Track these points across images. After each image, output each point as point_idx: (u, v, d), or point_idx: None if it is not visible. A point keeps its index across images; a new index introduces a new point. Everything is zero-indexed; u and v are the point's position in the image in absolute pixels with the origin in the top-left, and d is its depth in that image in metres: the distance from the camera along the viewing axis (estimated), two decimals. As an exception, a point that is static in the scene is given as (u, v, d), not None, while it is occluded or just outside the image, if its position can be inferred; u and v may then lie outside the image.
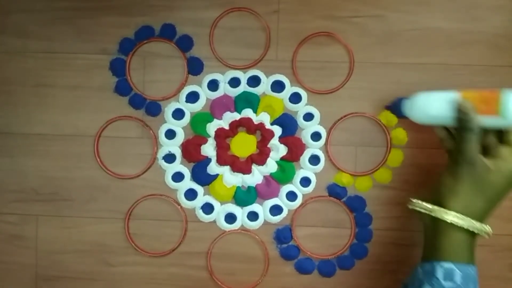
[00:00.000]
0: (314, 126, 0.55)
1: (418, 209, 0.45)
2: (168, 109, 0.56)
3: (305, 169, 0.55)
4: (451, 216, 0.42)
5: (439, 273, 0.42)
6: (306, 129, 0.55)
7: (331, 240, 0.56)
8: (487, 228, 0.43)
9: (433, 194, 0.45)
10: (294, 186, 0.55)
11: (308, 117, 0.55)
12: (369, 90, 0.55)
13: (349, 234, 0.55)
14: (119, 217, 0.56)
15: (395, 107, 0.53)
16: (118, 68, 0.56)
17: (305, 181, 0.55)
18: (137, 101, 0.56)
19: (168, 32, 0.56)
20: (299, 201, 0.55)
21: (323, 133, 0.55)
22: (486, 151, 0.44)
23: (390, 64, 0.55)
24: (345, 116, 0.55)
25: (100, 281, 0.57)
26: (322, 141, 0.55)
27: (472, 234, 0.43)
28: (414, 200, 0.46)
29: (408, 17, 0.55)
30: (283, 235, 0.56)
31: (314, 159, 0.55)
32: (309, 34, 0.55)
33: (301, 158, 0.55)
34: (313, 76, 0.55)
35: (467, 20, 0.54)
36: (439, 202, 0.44)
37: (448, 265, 0.42)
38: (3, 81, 0.57)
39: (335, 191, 0.55)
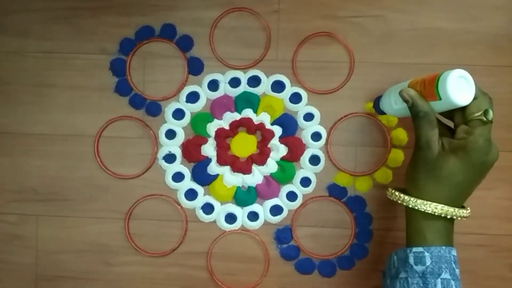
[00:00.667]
0: (314, 126, 0.55)
1: (390, 198, 0.46)
2: (168, 109, 0.56)
3: (305, 169, 0.55)
4: (412, 202, 0.43)
5: (411, 259, 0.42)
6: (306, 129, 0.55)
7: (331, 240, 0.56)
8: (456, 210, 0.42)
9: (405, 182, 0.46)
10: (294, 186, 0.55)
11: (308, 117, 0.55)
12: (370, 90, 0.55)
13: (350, 234, 0.55)
14: (119, 217, 0.56)
15: (374, 105, 0.53)
16: (118, 68, 0.56)
17: (305, 181, 0.55)
18: (137, 101, 0.56)
19: (168, 32, 0.56)
20: (299, 201, 0.55)
21: (323, 133, 0.55)
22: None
23: (390, 64, 0.55)
24: (345, 116, 0.55)
25: (100, 281, 0.57)
26: (322, 141, 0.55)
27: (440, 218, 0.42)
28: (389, 189, 0.47)
29: (408, 17, 0.55)
30: (283, 235, 0.56)
31: (314, 159, 0.55)
32: (309, 34, 0.55)
33: (301, 158, 0.55)
34: (313, 76, 0.55)
35: (467, 20, 0.55)
36: (407, 190, 0.45)
37: (418, 249, 0.42)
38: (3, 81, 0.57)
39: (335, 191, 0.55)
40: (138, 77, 0.56)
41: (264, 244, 0.56)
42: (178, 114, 0.56)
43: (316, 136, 0.55)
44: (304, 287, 0.56)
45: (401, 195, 0.44)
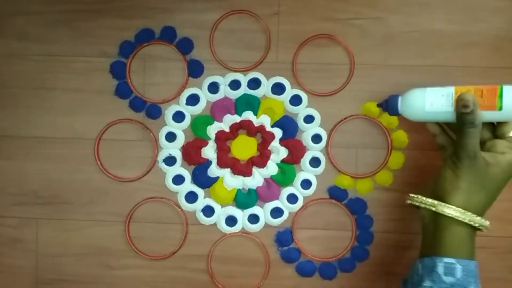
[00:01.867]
0: (314, 128, 0.55)
1: (417, 203, 0.45)
2: (169, 112, 0.56)
3: (306, 172, 0.55)
4: (452, 211, 0.42)
5: (440, 268, 0.41)
6: (307, 131, 0.55)
7: (332, 243, 0.55)
8: (486, 222, 0.43)
9: (433, 189, 0.45)
10: (294, 188, 0.55)
11: (309, 119, 0.55)
12: (370, 92, 0.55)
13: (350, 237, 0.55)
14: (119, 220, 0.56)
15: (388, 105, 0.49)
16: (118, 71, 0.56)
17: (306, 184, 0.55)
18: (138, 104, 0.56)
19: (168, 35, 0.56)
20: (299, 203, 0.55)
21: (324, 135, 0.55)
22: (481, 145, 0.44)
23: (391, 66, 0.55)
24: (345, 118, 0.55)
25: (100, 284, 0.57)
26: (322, 143, 0.55)
27: (472, 229, 0.43)
28: (414, 195, 0.46)
29: (408, 19, 0.55)
30: (284, 237, 0.55)
31: (315, 161, 0.55)
32: (309, 36, 0.55)
33: (302, 160, 0.55)
34: (313, 78, 0.55)
35: (468, 22, 0.54)
36: (440, 197, 0.44)
37: (449, 260, 0.41)
38: (3, 84, 0.57)
39: (336, 194, 0.55)
40: (138, 79, 0.56)
41: (264, 246, 0.55)
42: (178, 116, 0.56)
43: (316, 138, 0.55)
44: (305, 289, 0.56)
45: (435, 202, 0.43)
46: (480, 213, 0.43)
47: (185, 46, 0.56)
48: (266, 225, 0.56)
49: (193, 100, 0.56)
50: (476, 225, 0.42)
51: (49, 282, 0.57)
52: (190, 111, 0.56)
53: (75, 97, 0.57)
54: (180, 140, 0.56)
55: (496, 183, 0.43)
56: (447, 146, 0.47)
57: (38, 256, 0.57)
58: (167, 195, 0.56)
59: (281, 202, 0.55)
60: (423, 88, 0.46)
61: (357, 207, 0.55)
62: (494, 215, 0.54)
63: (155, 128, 0.56)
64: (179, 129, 0.56)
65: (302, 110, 0.55)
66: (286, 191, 0.55)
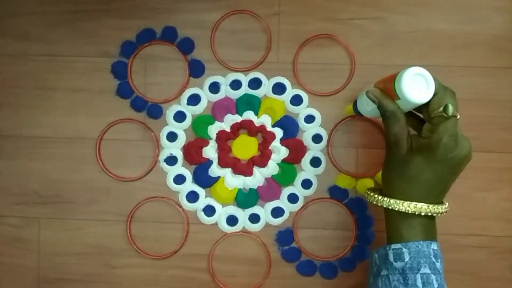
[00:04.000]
0: (315, 128, 0.55)
1: (368, 199, 0.46)
2: (170, 112, 0.56)
3: (306, 171, 0.55)
4: (385, 202, 0.43)
5: (390, 256, 0.42)
6: (307, 131, 0.55)
7: (333, 242, 0.56)
8: (433, 208, 0.42)
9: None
10: (295, 188, 0.56)
11: (309, 119, 0.55)
12: (370, 92, 0.55)
13: (351, 236, 0.55)
14: (121, 220, 0.57)
15: (353, 106, 0.51)
16: (119, 71, 0.56)
17: (307, 183, 0.55)
18: (139, 104, 0.56)
19: (169, 35, 0.56)
20: (300, 203, 0.56)
21: (324, 135, 0.55)
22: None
23: (391, 66, 0.55)
24: (346, 118, 0.55)
25: (102, 283, 0.57)
26: (323, 143, 0.55)
27: (414, 215, 0.42)
28: (366, 191, 0.47)
29: (409, 19, 0.55)
30: (284, 237, 0.56)
31: (315, 161, 0.55)
32: (310, 36, 0.55)
33: (302, 160, 0.55)
34: (314, 78, 0.55)
35: (468, 22, 0.55)
36: (383, 190, 0.45)
37: (395, 246, 0.42)
38: (5, 84, 0.57)
39: (336, 193, 0.55)
40: (139, 79, 0.57)
41: (265, 246, 0.56)
42: (179, 116, 0.56)
43: (317, 138, 0.55)
44: (305, 289, 0.56)
45: (375, 195, 0.45)
46: (424, 199, 0.42)
47: (186, 46, 0.56)
48: (267, 225, 0.56)
49: (194, 100, 0.56)
50: (411, 211, 0.42)
51: (51, 281, 0.57)
52: (191, 111, 0.56)
53: (77, 97, 0.57)
54: (181, 140, 0.56)
55: (422, 171, 0.41)
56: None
57: (40, 255, 0.58)
58: (168, 194, 0.56)
59: (282, 202, 0.56)
60: (365, 88, 0.47)
61: (357, 207, 0.55)
62: (494, 214, 0.55)
63: (156, 128, 0.56)
64: (180, 129, 0.56)
65: (302, 110, 0.55)
66: (287, 190, 0.56)
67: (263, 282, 0.56)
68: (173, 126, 0.56)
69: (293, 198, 0.55)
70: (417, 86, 0.40)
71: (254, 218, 0.56)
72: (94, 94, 0.57)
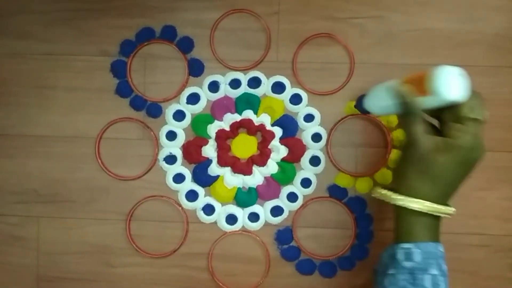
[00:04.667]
0: (314, 127, 0.55)
1: (376, 196, 0.45)
2: (169, 111, 0.56)
3: (306, 170, 0.56)
4: (400, 200, 0.42)
5: (400, 255, 0.42)
6: (307, 130, 0.55)
7: (332, 241, 0.56)
8: (443, 208, 0.42)
9: (392, 180, 0.45)
10: (294, 187, 0.56)
11: (309, 118, 0.55)
12: (370, 91, 0.55)
13: (350, 235, 0.55)
14: (120, 218, 0.57)
15: (357, 104, 0.51)
16: (119, 69, 0.56)
17: (306, 182, 0.55)
18: (138, 103, 0.56)
19: (168, 34, 0.56)
20: (299, 202, 0.56)
21: (324, 134, 0.55)
22: (443, 131, 0.43)
23: (391, 64, 0.55)
24: (345, 117, 0.55)
25: (101, 282, 0.57)
26: (322, 142, 0.55)
27: (427, 215, 0.42)
28: (375, 188, 0.46)
29: (408, 18, 0.55)
30: (284, 236, 0.56)
31: (315, 160, 0.55)
32: (309, 35, 0.55)
33: (302, 159, 0.55)
34: (313, 77, 0.55)
35: (467, 21, 0.55)
36: (396, 188, 0.44)
37: (406, 245, 0.42)
38: (4, 83, 0.57)
39: (335, 192, 0.55)
40: (139, 78, 0.57)
41: (264, 245, 0.56)
42: (179, 115, 0.56)
43: (316, 137, 0.55)
44: (305, 287, 0.56)
45: (389, 193, 0.44)
46: (438, 200, 0.42)
47: (185, 45, 0.56)
48: (266, 224, 0.56)
49: (193, 99, 0.56)
50: (428, 211, 0.42)
51: (51, 279, 0.57)
52: (190, 110, 0.56)
53: (76, 96, 0.57)
54: (181, 139, 0.56)
55: (446, 171, 0.41)
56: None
57: (40, 254, 0.58)
58: (168, 193, 0.56)
59: (281, 201, 0.56)
60: (380, 84, 0.46)
61: (357, 205, 0.55)
62: (493, 214, 0.55)
63: (156, 127, 0.56)
64: (179, 128, 0.56)
65: (302, 109, 0.56)
66: (286, 189, 0.56)
67: (262, 281, 0.56)
68: (172, 125, 0.56)
69: (292, 197, 0.55)
70: (453, 85, 0.40)
71: (254, 217, 0.56)
72: (93, 93, 0.57)
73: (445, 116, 0.43)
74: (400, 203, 0.42)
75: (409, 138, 0.43)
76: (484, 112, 0.41)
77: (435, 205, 0.42)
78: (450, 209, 0.43)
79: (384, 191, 0.44)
